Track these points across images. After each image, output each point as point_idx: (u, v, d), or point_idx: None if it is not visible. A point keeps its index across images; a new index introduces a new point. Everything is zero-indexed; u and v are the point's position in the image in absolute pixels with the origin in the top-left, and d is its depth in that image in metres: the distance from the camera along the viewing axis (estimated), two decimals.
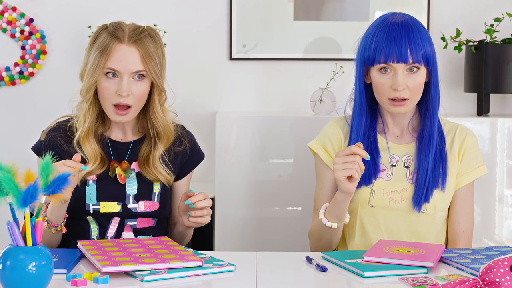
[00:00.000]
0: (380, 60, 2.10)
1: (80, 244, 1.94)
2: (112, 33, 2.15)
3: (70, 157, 2.11)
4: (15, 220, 1.63)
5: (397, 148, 2.21)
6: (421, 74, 2.12)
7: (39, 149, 2.19)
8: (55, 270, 1.72)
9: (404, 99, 2.12)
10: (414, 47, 2.09)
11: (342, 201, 2.09)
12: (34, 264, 1.60)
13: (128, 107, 2.14)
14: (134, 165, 2.22)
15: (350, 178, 2.03)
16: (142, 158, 2.20)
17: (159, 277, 1.75)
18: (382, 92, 2.12)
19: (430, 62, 2.12)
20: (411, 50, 2.09)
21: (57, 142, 2.18)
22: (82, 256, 1.93)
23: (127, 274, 1.78)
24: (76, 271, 1.82)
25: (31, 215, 1.64)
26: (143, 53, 2.14)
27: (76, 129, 2.19)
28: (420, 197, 2.14)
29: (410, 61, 2.09)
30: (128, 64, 2.13)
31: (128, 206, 2.18)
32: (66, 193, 1.98)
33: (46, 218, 2.07)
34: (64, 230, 2.12)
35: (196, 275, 1.80)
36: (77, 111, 2.21)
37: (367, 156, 2.01)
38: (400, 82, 2.09)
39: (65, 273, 1.78)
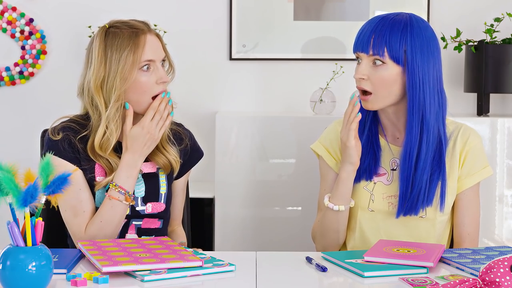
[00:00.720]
0: (353, 50, 2.13)
1: (80, 244, 1.94)
2: (130, 28, 2.11)
3: (86, 159, 2.11)
4: (15, 220, 1.63)
5: (398, 150, 2.19)
6: (387, 69, 2.08)
7: (55, 147, 2.10)
8: (55, 270, 1.72)
9: (367, 93, 2.11)
10: (378, 39, 2.07)
11: (346, 178, 2.11)
12: (34, 264, 1.60)
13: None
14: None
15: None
16: None
17: (159, 277, 1.75)
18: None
19: (399, 60, 2.08)
20: (374, 41, 2.08)
21: (72, 140, 2.14)
22: (82, 256, 1.93)
23: (127, 274, 1.78)
24: (76, 271, 1.82)
25: (31, 215, 1.64)
26: (161, 40, 2.16)
27: (89, 137, 2.13)
28: (401, 209, 2.12)
29: (371, 52, 2.08)
30: (159, 51, 2.13)
31: (137, 208, 2.17)
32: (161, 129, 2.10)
33: (129, 193, 2.09)
34: (133, 202, 2.13)
35: (196, 275, 1.80)
36: (107, 122, 2.10)
37: (354, 94, 2.11)
38: (359, 71, 2.10)
39: (65, 273, 1.78)
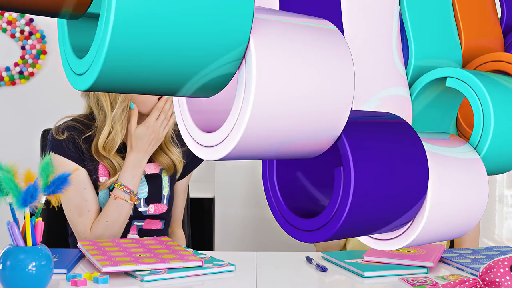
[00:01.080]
0: None
1: (80, 244, 1.94)
2: None
3: (89, 159, 2.11)
4: (15, 220, 1.63)
5: None
6: None
7: (59, 146, 2.10)
8: (55, 270, 1.72)
9: None
10: None
11: None
12: (34, 264, 1.60)
13: None
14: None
15: None
16: None
17: (159, 277, 1.75)
18: None
19: None
20: None
21: (76, 140, 2.14)
22: (82, 256, 1.93)
23: (127, 274, 1.78)
24: (76, 271, 1.82)
25: (31, 215, 1.64)
26: None
27: (94, 137, 2.14)
28: None
29: None
30: None
31: (139, 209, 2.17)
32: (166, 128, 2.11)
33: (134, 192, 2.09)
34: (137, 201, 2.14)
35: (196, 275, 1.80)
36: (113, 123, 2.10)
37: None
38: None
39: (65, 273, 1.78)
